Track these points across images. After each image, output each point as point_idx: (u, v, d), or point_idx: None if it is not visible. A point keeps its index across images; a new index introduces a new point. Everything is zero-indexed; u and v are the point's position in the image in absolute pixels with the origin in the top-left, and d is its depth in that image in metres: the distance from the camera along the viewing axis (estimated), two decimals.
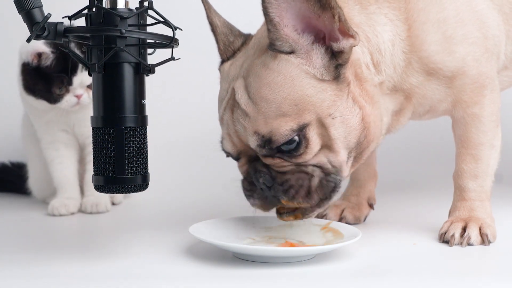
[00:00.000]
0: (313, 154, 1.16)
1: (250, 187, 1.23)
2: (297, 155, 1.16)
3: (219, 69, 1.30)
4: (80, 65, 1.63)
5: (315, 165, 1.18)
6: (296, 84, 1.14)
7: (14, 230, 1.54)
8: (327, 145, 1.17)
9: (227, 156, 1.26)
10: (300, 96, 1.13)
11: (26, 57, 1.65)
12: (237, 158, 1.24)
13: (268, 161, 1.18)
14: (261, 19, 1.31)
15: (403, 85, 1.27)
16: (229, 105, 1.20)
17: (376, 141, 1.24)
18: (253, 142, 1.16)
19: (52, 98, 1.66)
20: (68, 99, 1.66)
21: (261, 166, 1.19)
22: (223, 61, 1.30)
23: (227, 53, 1.29)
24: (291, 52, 1.14)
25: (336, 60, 1.15)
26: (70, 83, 1.65)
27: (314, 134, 1.15)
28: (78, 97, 1.66)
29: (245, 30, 1.33)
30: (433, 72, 1.27)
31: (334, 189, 1.20)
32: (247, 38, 1.30)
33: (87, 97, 1.68)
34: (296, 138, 1.14)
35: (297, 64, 1.14)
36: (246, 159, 1.22)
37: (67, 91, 1.66)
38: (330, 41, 1.14)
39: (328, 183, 1.19)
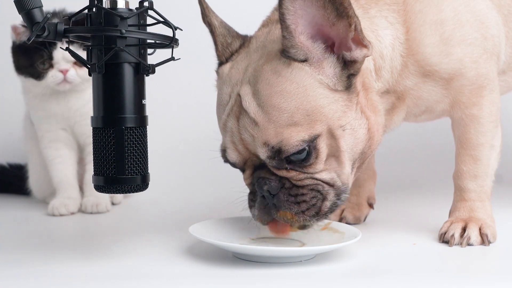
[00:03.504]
0: (322, 163, 1.14)
1: (254, 197, 1.20)
2: (307, 165, 1.14)
3: (217, 72, 1.27)
4: None
5: (328, 183, 1.16)
6: (310, 93, 1.11)
7: (14, 230, 1.54)
8: (334, 156, 1.15)
9: (225, 162, 1.23)
10: (313, 106, 1.11)
11: (11, 36, 1.64)
12: (242, 169, 1.21)
13: (283, 173, 1.15)
14: (257, 20, 1.31)
15: (396, 88, 1.26)
16: (234, 112, 1.16)
17: (376, 148, 1.23)
18: (263, 154, 1.13)
19: (36, 74, 1.62)
20: (53, 75, 1.63)
21: (265, 173, 1.16)
22: (221, 63, 1.27)
23: (225, 55, 1.26)
24: (305, 60, 1.12)
25: (348, 70, 1.13)
26: (51, 57, 1.61)
27: (324, 145, 1.13)
28: (63, 72, 1.62)
29: (240, 30, 1.31)
30: (429, 74, 1.26)
31: (339, 206, 1.20)
32: (245, 40, 1.27)
33: (75, 75, 1.63)
34: (306, 148, 1.12)
35: (311, 73, 1.12)
36: (251, 171, 1.19)
37: (51, 66, 1.63)
38: (342, 50, 1.12)
39: (337, 206, 1.19)
